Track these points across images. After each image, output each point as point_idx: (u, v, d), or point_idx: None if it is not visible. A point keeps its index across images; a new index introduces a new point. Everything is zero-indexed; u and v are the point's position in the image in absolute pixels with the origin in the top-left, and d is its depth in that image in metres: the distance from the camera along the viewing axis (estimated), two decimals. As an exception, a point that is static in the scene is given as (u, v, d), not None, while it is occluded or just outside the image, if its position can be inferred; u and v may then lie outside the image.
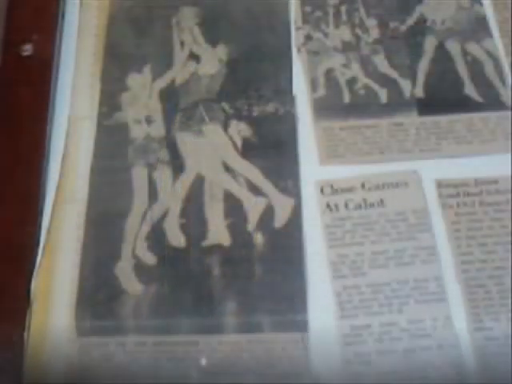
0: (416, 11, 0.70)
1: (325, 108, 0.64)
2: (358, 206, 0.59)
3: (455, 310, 0.55)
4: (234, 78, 0.66)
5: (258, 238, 0.58)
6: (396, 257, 0.57)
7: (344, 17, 0.70)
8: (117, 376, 0.53)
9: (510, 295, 0.55)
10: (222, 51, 0.68)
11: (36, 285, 0.56)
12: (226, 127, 0.63)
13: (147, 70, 0.67)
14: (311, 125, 0.64)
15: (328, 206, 0.59)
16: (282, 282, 0.56)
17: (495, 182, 0.60)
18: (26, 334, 0.54)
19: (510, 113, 0.63)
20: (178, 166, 0.62)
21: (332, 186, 0.60)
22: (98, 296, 0.56)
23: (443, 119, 0.63)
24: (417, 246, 0.57)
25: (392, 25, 0.69)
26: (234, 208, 0.60)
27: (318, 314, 0.55)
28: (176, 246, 0.58)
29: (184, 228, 0.59)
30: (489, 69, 0.66)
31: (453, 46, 0.67)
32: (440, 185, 0.60)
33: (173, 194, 0.60)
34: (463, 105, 0.64)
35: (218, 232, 0.58)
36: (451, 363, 0.53)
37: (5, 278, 0.56)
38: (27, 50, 0.65)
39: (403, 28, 0.69)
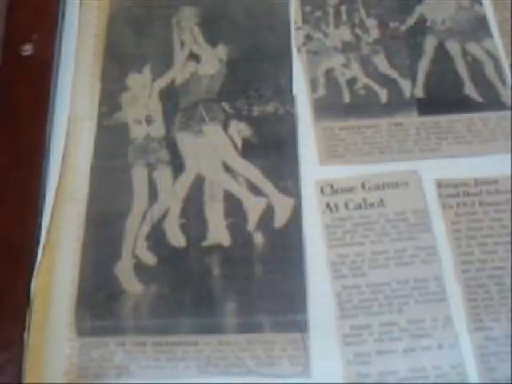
0: (416, 11, 0.70)
1: (325, 108, 0.64)
2: (358, 206, 0.59)
3: (455, 310, 0.55)
4: (234, 78, 0.66)
5: (258, 238, 0.58)
6: (396, 257, 0.57)
7: (344, 17, 0.70)
8: (117, 376, 0.53)
9: (509, 295, 0.55)
10: (222, 51, 0.68)
11: (36, 285, 0.56)
12: (226, 127, 0.63)
13: (147, 70, 0.67)
14: (311, 125, 0.64)
15: (328, 205, 0.59)
16: (282, 282, 0.56)
17: (495, 181, 0.60)
18: (25, 333, 0.54)
19: (510, 113, 0.63)
20: (177, 165, 0.62)
21: (332, 186, 0.60)
22: (97, 296, 0.56)
23: (443, 119, 0.63)
24: (417, 246, 0.57)
25: (392, 25, 0.69)
26: (234, 208, 0.60)
27: (318, 314, 0.55)
28: (176, 246, 0.58)
29: (184, 228, 0.59)
30: (489, 69, 0.66)
31: (453, 46, 0.67)
32: (440, 185, 0.60)
33: (173, 193, 0.60)
34: (463, 105, 0.64)
35: (218, 232, 0.58)
36: (451, 363, 0.53)
37: (5, 278, 0.56)
38: (27, 49, 0.65)
39: (403, 28, 0.69)
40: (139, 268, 0.57)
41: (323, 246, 0.58)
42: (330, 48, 0.68)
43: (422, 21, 0.69)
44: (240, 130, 0.63)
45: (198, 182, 0.61)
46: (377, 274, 0.56)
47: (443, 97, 0.65)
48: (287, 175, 0.61)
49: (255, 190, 0.60)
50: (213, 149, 0.63)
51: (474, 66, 0.66)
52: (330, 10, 0.70)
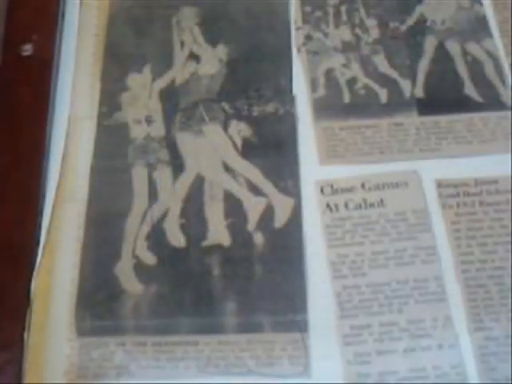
0: (416, 11, 0.70)
1: (325, 108, 0.64)
2: (358, 206, 0.59)
3: (455, 310, 0.55)
4: (234, 78, 0.66)
5: (258, 238, 0.58)
6: (396, 257, 0.57)
7: (344, 17, 0.70)
8: (117, 376, 0.53)
9: (509, 295, 0.55)
10: (222, 51, 0.68)
11: (36, 285, 0.56)
12: (226, 127, 0.63)
13: (147, 70, 0.67)
14: (311, 125, 0.64)
15: (328, 205, 0.59)
16: (282, 282, 0.56)
17: (495, 181, 0.60)
18: (25, 333, 0.54)
19: (510, 113, 0.63)
20: (177, 165, 0.62)
21: (332, 186, 0.60)
22: (97, 296, 0.56)
23: (443, 119, 0.63)
24: (417, 246, 0.57)
25: (392, 25, 0.69)
26: (233, 208, 0.60)
27: (318, 314, 0.55)
28: (176, 246, 0.58)
29: (184, 228, 0.59)
30: (489, 69, 0.66)
31: (453, 46, 0.67)
32: (440, 185, 0.60)
33: (173, 193, 0.60)
34: (463, 105, 0.64)
35: (218, 232, 0.58)
36: (451, 363, 0.53)
37: (5, 278, 0.56)
38: (27, 50, 0.65)
39: (403, 28, 0.69)
40: (139, 268, 0.57)
41: (323, 246, 0.58)
42: (330, 48, 0.68)
43: (422, 21, 0.69)
44: (240, 130, 0.63)
45: (198, 182, 0.61)
46: (377, 274, 0.56)
47: (443, 97, 0.65)
48: (287, 175, 0.61)
49: (255, 190, 0.60)
50: (213, 149, 0.63)
51: (474, 66, 0.66)
52: (330, 10, 0.70)
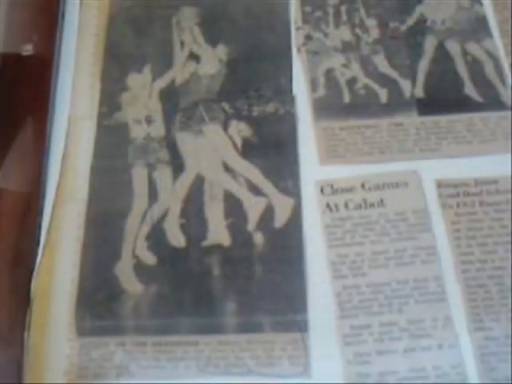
0: (416, 11, 0.70)
1: (325, 108, 0.64)
2: (358, 206, 0.59)
3: (455, 310, 0.55)
4: (234, 78, 0.66)
5: (258, 238, 0.58)
6: (396, 257, 0.57)
7: (344, 17, 0.70)
8: (117, 376, 0.53)
9: (510, 295, 0.55)
10: (222, 51, 0.68)
11: (36, 285, 0.56)
12: (226, 127, 0.63)
13: (147, 70, 0.67)
14: (311, 125, 0.64)
15: (328, 205, 0.59)
16: (282, 282, 0.56)
17: (495, 181, 0.60)
18: (26, 333, 0.54)
19: (510, 113, 0.63)
20: (177, 165, 0.62)
21: (332, 186, 0.60)
22: (97, 296, 0.56)
23: (443, 119, 0.63)
24: (417, 246, 0.57)
25: (392, 25, 0.69)
26: (233, 208, 0.60)
27: (318, 314, 0.55)
28: (176, 246, 0.58)
29: (184, 228, 0.59)
30: (489, 69, 0.66)
31: (453, 46, 0.67)
32: (440, 185, 0.60)
33: (173, 193, 0.60)
34: (463, 105, 0.64)
35: (218, 232, 0.58)
36: (451, 363, 0.53)
37: (5, 277, 0.56)
38: (27, 50, 0.65)
39: (403, 28, 0.69)
40: (139, 268, 0.57)
41: (323, 246, 0.58)
42: (330, 48, 0.68)
43: (422, 21, 0.69)
44: (240, 130, 0.63)
45: (198, 182, 0.61)
46: (377, 274, 0.56)
47: (443, 97, 0.65)
48: (287, 175, 0.61)
49: (255, 189, 0.60)
50: (213, 149, 0.63)
51: (474, 66, 0.66)
52: (330, 10, 0.70)
